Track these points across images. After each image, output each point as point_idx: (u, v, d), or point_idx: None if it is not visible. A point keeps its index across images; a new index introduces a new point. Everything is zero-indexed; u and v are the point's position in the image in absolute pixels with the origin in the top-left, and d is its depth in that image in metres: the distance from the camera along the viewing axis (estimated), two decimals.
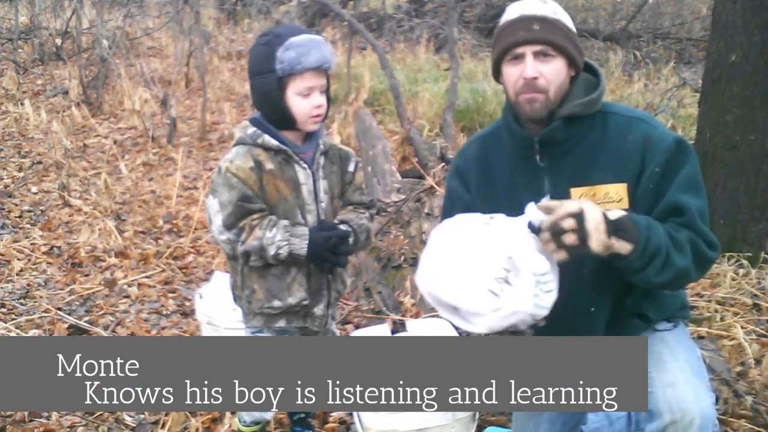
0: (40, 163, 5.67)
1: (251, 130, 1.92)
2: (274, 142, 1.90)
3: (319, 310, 2.04)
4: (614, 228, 1.48)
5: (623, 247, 1.49)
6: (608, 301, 1.72)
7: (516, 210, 1.60)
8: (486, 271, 1.46)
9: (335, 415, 2.54)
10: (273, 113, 1.90)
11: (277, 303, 1.98)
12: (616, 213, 1.51)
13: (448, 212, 1.81)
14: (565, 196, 1.65)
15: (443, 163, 4.37)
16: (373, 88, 6.96)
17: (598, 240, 1.46)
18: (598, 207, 1.50)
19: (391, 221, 3.60)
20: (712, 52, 3.83)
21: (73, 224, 4.50)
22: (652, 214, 1.62)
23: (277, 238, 1.85)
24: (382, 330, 2.54)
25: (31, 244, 4.21)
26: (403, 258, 3.29)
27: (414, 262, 3.23)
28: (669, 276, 1.56)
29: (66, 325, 3.21)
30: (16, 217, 4.68)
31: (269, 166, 1.90)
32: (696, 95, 4.89)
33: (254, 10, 10.28)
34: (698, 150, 3.97)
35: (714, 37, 3.82)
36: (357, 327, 2.99)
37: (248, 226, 1.86)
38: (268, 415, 2.21)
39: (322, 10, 10.41)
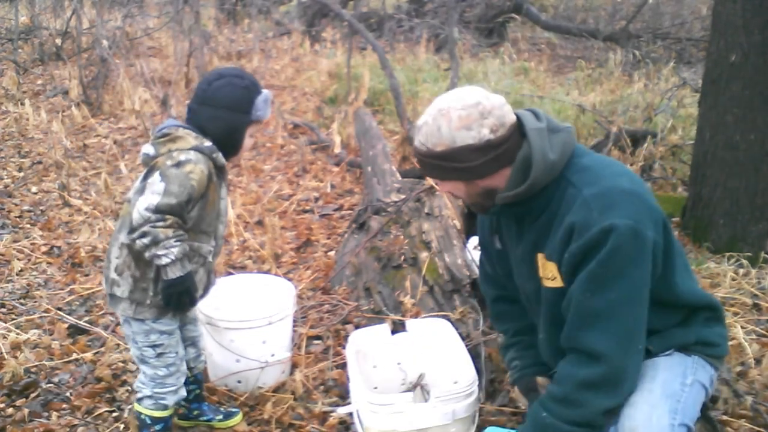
0: (40, 163, 5.67)
1: (208, 143, 2.11)
2: (222, 161, 2.15)
3: (201, 301, 2.31)
4: None
5: None
6: None
7: (515, 268, 1.81)
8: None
9: (335, 414, 2.54)
10: (230, 144, 2.17)
11: None
12: None
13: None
14: (533, 260, 1.68)
15: None
16: (373, 88, 6.96)
17: None
18: None
19: (391, 221, 3.59)
20: (712, 52, 3.83)
21: (73, 224, 4.50)
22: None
23: (174, 250, 2.02)
24: (382, 330, 2.54)
25: (31, 244, 4.21)
26: (403, 258, 3.28)
27: (414, 262, 3.23)
28: (577, 423, 1.59)
29: (66, 325, 3.21)
30: (16, 217, 4.68)
31: (215, 179, 2.15)
32: (696, 95, 4.89)
33: (254, 10, 10.29)
34: (698, 150, 3.98)
35: (714, 37, 3.82)
36: (357, 327, 2.99)
37: (171, 222, 2.00)
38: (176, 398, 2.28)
39: (322, 10, 10.41)
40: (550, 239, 1.62)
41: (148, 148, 2.13)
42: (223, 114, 2.12)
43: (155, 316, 2.16)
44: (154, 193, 1.99)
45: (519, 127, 1.63)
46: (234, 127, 2.15)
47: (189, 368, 2.39)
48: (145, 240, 1.99)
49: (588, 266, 1.53)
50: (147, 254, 2.02)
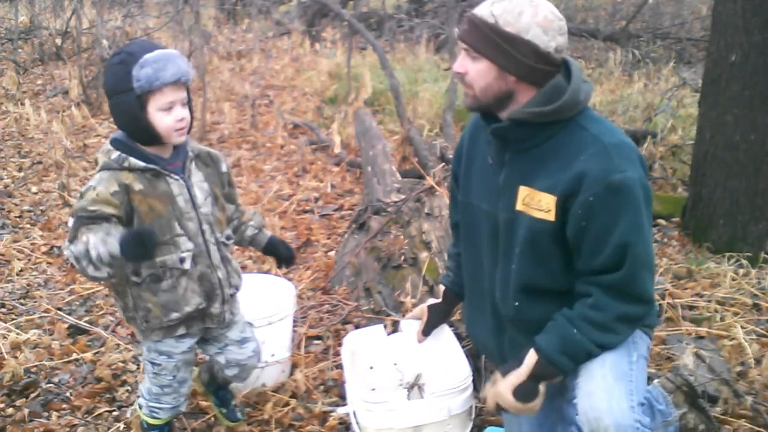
0: (40, 163, 5.67)
1: (115, 154, 1.90)
2: (140, 164, 1.91)
3: (215, 309, 2.12)
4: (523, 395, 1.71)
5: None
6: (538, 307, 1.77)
7: (480, 193, 1.82)
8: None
9: (335, 414, 2.54)
10: (137, 131, 1.91)
11: (175, 315, 2.04)
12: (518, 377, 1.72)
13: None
14: (514, 192, 1.71)
15: (443, 163, 4.37)
16: (373, 88, 6.95)
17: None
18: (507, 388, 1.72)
19: (391, 221, 3.59)
20: (712, 52, 3.83)
21: None
22: (586, 256, 1.66)
23: (92, 240, 1.80)
24: (378, 330, 2.53)
25: (31, 244, 4.21)
26: (403, 258, 3.28)
27: (414, 262, 3.23)
28: (604, 346, 1.67)
29: (66, 325, 3.21)
30: (16, 217, 4.68)
31: (138, 186, 1.91)
32: (696, 95, 4.89)
33: (254, 10, 10.28)
34: (698, 150, 3.98)
35: (714, 37, 3.82)
36: (357, 327, 2.99)
37: (80, 233, 1.83)
38: (182, 407, 2.27)
39: (322, 10, 10.41)
40: (548, 173, 1.67)
41: None
42: (114, 102, 1.89)
43: (160, 338, 2.10)
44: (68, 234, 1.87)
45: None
46: (126, 111, 1.86)
47: (224, 380, 2.40)
48: (83, 263, 1.81)
49: (619, 214, 1.61)
50: (100, 267, 1.82)
